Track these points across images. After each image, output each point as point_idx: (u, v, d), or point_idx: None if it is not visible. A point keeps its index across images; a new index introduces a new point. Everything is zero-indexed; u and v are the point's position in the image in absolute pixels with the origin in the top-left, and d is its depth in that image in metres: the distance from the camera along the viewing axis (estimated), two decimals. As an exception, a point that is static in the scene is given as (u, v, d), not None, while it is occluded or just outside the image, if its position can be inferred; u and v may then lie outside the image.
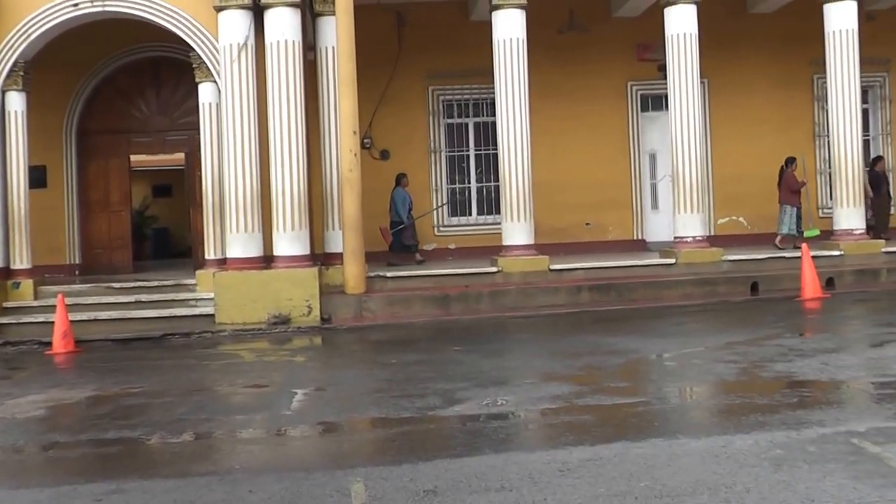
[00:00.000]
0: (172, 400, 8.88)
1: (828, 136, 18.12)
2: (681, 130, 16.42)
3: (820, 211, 18.27)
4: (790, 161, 17.96)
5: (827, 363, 8.95)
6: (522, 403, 7.91)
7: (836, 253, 16.47)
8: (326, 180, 15.76)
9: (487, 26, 16.25)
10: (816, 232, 17.68)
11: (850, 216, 16.84)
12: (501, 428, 7.14)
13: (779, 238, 17.78)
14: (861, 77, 17.18)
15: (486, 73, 16.48)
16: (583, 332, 12.49)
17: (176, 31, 15.27)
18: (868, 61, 18.02)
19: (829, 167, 17.88)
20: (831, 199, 17.71)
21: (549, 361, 10.20)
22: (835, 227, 17.08)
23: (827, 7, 16.96)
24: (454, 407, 7.80)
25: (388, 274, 15.53)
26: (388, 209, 17.64)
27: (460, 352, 11.11)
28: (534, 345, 11.87)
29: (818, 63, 18.00)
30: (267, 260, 14.99)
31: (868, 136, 20.32)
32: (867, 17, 18.70)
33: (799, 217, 17.87)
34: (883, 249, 16.77)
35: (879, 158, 19.50)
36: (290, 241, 14.89)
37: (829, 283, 15.42)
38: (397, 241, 17.53)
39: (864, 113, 19.80)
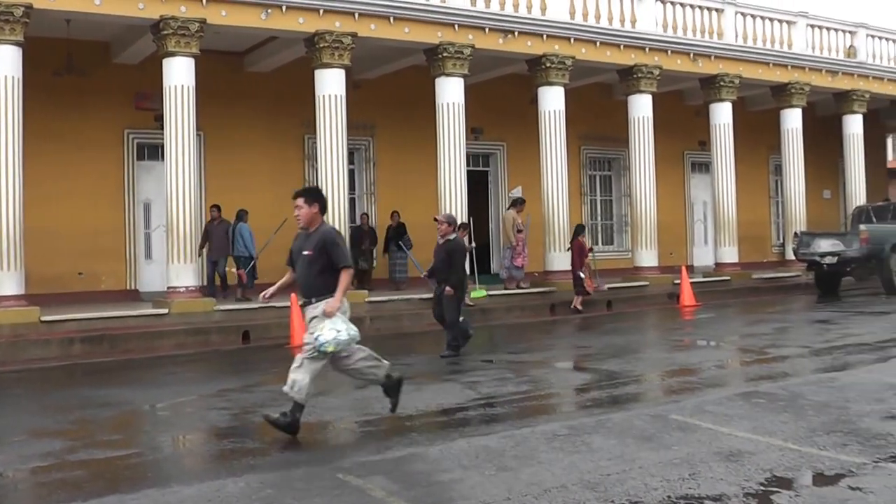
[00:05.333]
0: None
1: (318, 193, 19.20)
2: (176, 181, 16.61)
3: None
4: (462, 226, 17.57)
5: (315, 405, 9.45)
6: (11, 462, 7.55)
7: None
8: None
9: (-23, 63, 15.38)
10: (483, 293, 18.67)
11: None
12: (-12, 490, 6.81)
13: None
14: (348, 140, 18.48)
15: (-25, 112, 15.55)
16: (75, 386, 12.16)
17: None
18: (355, 126, 19.45)
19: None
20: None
21: (40, 417, 9.82)
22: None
23: (318, 72, 18.08)
24: (-69, 473, 7.28)
25: None
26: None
27: (-62, 411, 10.36)
28: (23, 400, 11.33)
29: (309, 124, 19.07)
30: None
31: (354, 194, 21.86)
32: (354, 84, 20.21)
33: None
34: (366, 300, 18.06)
35: (364, 215, 21.05)
36: None
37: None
38: (251, 276, 17.45)
39: (351, 173, 21.35)
